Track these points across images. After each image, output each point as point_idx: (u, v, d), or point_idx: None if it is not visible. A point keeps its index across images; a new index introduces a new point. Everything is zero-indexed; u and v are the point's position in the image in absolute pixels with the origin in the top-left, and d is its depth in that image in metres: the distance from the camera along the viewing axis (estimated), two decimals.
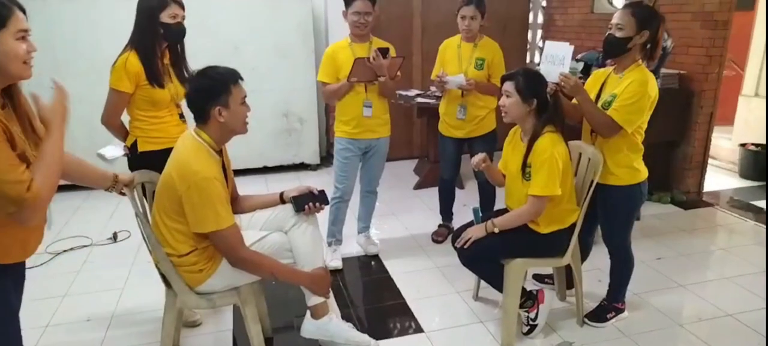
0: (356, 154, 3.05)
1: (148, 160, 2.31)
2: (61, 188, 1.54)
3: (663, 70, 3.98)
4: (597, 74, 2.43)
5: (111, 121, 2.40)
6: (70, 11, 4.18)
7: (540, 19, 5.65)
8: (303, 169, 5.11)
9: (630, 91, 2.16)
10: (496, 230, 2.24)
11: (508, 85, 2.21)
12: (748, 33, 5.12)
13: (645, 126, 2.27)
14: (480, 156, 2.36)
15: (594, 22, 4.85)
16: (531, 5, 5.63)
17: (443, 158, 3.43)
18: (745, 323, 2.53)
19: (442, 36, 3.35)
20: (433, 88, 4.13)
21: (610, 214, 2.41)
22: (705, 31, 3.88)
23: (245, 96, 1.97)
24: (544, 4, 5.59)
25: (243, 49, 4.55)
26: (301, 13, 4.72)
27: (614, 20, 2.20)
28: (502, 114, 2.26)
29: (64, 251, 3.36)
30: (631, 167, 2.29)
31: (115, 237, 3.54)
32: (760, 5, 5.03)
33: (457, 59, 3.15)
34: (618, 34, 2.18)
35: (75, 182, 1.92)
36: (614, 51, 2.23)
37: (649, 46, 2.20)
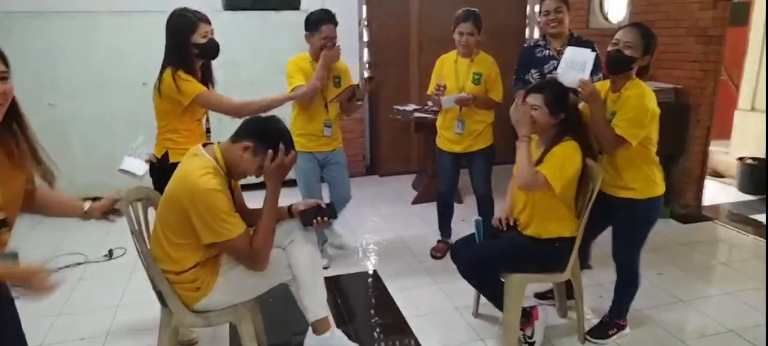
0: (316, 166, 3.12)
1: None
2: None
3: (659, 85, 4.01)
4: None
5: (243, 108, 2.44)
6: (71, 31, 4.22)
7: (536, 33, 5.68)
8: None
9: (630, 105, 2.18)
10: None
11: (536, 98, 2.20)
12: (743, 48, 5.16)
13: (656, 137, 2.27)
14: None
15: (590, 37, 4.87)
16: (527, 20, 5.67)
17: (441, 173, 3.41)
18: (747, 339, 2.51)
19: (439, 51, 3.36)
20: (430, 103, 4.13)
21: (623, 228, 2.39)
22: (699, 46, 3.90)
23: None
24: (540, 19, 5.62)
25: (241, 64, 4.56)
26: (298, 28, 4.73)
27: (623, 37, 2.19)
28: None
29: (59, 268, 3.31)
30: (649, 180, 2.28)
31: (110, 254, 3.50)
32: (753, 22, 5.08)
33: (454, 75, 3.15)
34: (627, 52, 2.18)
35: (53, 216, 1.72)
36: (620, 68, 2.23)
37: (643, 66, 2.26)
